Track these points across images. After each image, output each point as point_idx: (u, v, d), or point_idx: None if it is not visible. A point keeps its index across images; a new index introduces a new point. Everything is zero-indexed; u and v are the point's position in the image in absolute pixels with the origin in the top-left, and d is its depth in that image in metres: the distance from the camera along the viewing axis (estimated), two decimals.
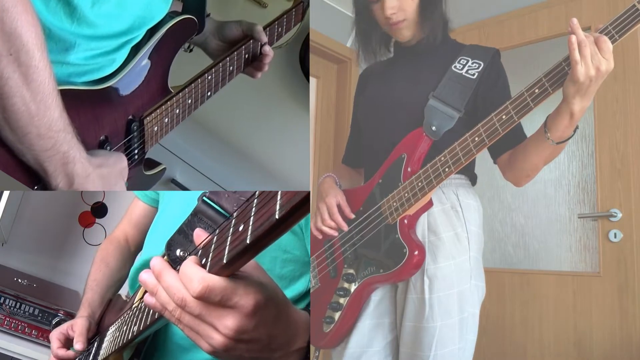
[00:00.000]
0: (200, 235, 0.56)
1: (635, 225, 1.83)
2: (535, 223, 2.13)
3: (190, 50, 1.21)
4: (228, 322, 0.49)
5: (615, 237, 1.86)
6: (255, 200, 0.46)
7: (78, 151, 0.77)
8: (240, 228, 0.46)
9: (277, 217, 0.40)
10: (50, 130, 0.71)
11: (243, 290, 0.49)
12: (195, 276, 0.48)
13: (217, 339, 0.50)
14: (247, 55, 1.16)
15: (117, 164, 0.89)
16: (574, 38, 0.93)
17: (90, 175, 0.81)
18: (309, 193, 0.41)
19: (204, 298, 0.48)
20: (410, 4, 1.20)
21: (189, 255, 0.54)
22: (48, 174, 0.75)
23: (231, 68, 1.13)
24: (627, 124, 1.89)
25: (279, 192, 0.45)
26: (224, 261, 0.46)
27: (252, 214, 0.45)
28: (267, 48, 1.19)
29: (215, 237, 0.52)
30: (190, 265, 0.50)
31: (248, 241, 0.43)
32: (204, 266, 0.50)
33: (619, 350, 1.81)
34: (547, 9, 2.15)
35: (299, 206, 0.40)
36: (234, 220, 0.49)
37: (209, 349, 0.51)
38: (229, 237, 0.48)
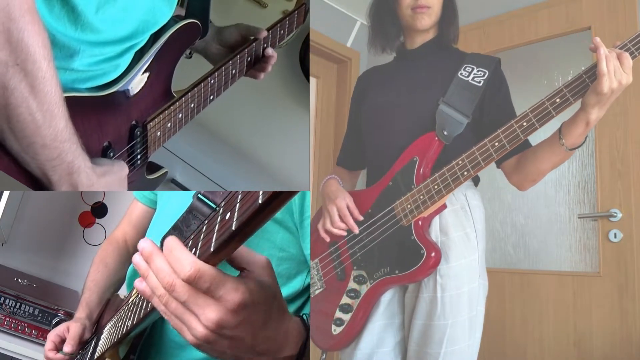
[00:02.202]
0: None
1: (635, 225, 1.83)
2: (535, 223, 2.13)
3: (190, 57, 1.21)
4: (210, 314, 0.49)
5: (615, 237, 1.86)
6: (241, 191, 0.48)
7: (83, 161, 0.77)
8: (227, 216, 0.47)
9: (260, 201, 0.42)
10: (55, 140, 0.71)
11: (231, 285, 0.49)
12: (186, 260, 0.48)
13: (199, 330, 0.50)
14: (249, 59, 1.16)
15: (119, 173, 0.89)
16: (602, 50, 0.99)
17: (94, 185, 0.81)
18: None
19: (193, 282, 0.48)
20: None
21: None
22: (52, 184, 0.75)
23: (234, 71, 1.13)
24: (627, 124, 1.90)
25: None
26: (212, 249, 0.47)
27: (237, 201, 0.46)
28: (270, 50, 1.20)
29: (205, 227, 0.53)
30: (180, 249, 0.50)
31: (233, 227, 0.44)
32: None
33: (619, 350, 1.81)
34: (547, 9, 2.15)
35: (282, 192, 0.42)
36: (221, 210, 0.50)
37: (192, 341, 0.51)
38: (217, 226, 0.49)
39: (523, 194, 2.16)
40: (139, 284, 0.54)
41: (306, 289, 0.94)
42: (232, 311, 0.49)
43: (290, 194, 0.43)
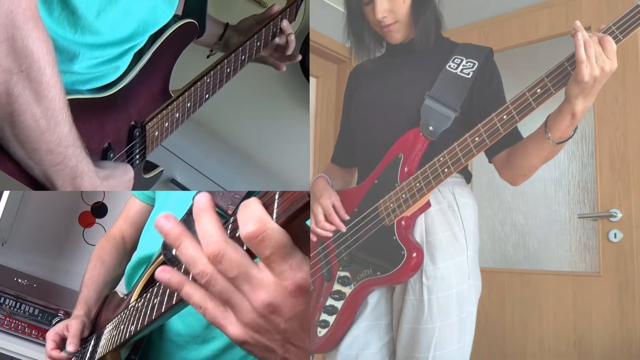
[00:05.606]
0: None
1: (635, 225, 1.83)
2: (535, 223, 2.13)
3: (209, 57, 1.25)
4: (262, 294, 0.40)
5: (615, 237, 1.86)
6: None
7: (86, 165, 0.77)
8: (237, 234, 0.42)
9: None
10: (59, 145, 0.71)
11: (298, 261, 0.40)
12: (255, 213, 0.38)
13: (248, 314, 0.41)
14: (243, 57, 1.17)
15: (123, 176, 0.90)
16: (580, 35, 0.91)
17: (98, 188, 0.81)
18: (308, 200, 0.38)
19: (254, 243, 0.39)
20: (401, 6, 1.18)
21: None
22: (56, 188, 0.75)
23: (228, 70, 1.13)
24: (627, 124, 1.89)
25: (277, 194, 0.41)
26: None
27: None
28: (290, 34, 1.24)
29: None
30: (255, 204, 0.39)
31: (245, 247, 0.41)
32: None
33: (619, 350, 1.81)
34: (547, 9, 2.15)
35: (298, 214, 0.38)
36: (230, 226, 0.46)
37: (237, 334, 0.42)
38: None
39: (523, 193, 2.16)
40: (162, 274, 0.44)
41: None
42: (290, 293, 0.40)
43: (307, 211, 0.38)
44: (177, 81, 1.05)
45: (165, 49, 0.98)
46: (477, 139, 1.05)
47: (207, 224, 0.41)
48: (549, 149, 1.07)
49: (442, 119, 1.14)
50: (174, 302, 0.57)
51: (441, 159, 1.09)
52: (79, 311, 1.07)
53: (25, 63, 0.64)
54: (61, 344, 1.03)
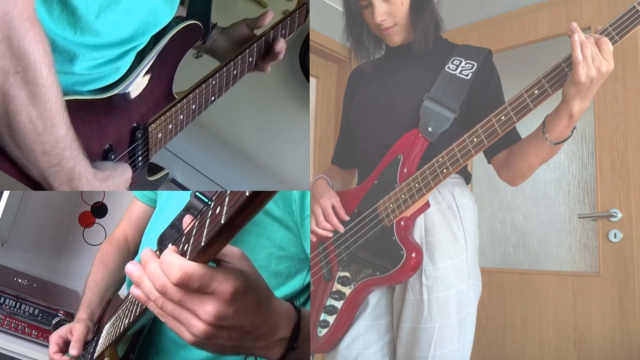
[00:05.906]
0: (187, 222, 0.58)
1: (635, 225, 1.83)
2: (535, 223, 2.13)
3: (200, 56, 1.22)
4: (207, 308, 0.50)
5: (615, 237, 1.86)
6: (230, 190, 0.49)
7: (84, 167, 0.77)
8: (217, 210, 0.48)
9: (247, 194, 0.43)
10: (56, 147, 0.71)
11: (222, 277, 0.50)
12: (174, 264, 0.49)
13: (198, 326, 0.51)
14: (250, 59, 1.16)
15: (122, 176, 0.89)
16: (576, 36, 0.93)
17: (96, 189, 0.81)
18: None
19: (183, 285, 0.49)
20: (400, 9, 1.19)
21: (173, 243, 0.56)
22: (53, 189, 0.75)
23: (235, 72, 1.13)
24: (627, 124, 1.90)
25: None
26: (202, 244, 0.49)
27: (226, 196, 0.47)
28: (279, 45, 1.19)
29: (197, 222, 0.54)
30: (169, 253, 0.51)
31: (223, 221, 0.45)
32: (185, 252, 0.52)
33: (619, 350, 1.81)
34: (547, 9, 2.15)
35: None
36: (212, 204, 0.51)
37: (191, 339, 0.52)
38: (208, 220, 0.50)
39: (523, 193, 2.16)
40: (134, 290, 0.55)
41: (306, 287, 0.94)
42: (227, 301, 0.50)
43: (273, 192, 0.45)
44: (181, 83, 1.05)
45: (168, 50, 0.98)
46: (475, 139, 1.06)
47: (154, 266, 0.52)
48: (547, 149, 1.08)
49: (441, 120, 1.15)
50: None
51: (440, 159, 1.10)
52: (82, 314, 1.07)
53: (21, 64, 0.64)
54: (64, 347, 1.03)
